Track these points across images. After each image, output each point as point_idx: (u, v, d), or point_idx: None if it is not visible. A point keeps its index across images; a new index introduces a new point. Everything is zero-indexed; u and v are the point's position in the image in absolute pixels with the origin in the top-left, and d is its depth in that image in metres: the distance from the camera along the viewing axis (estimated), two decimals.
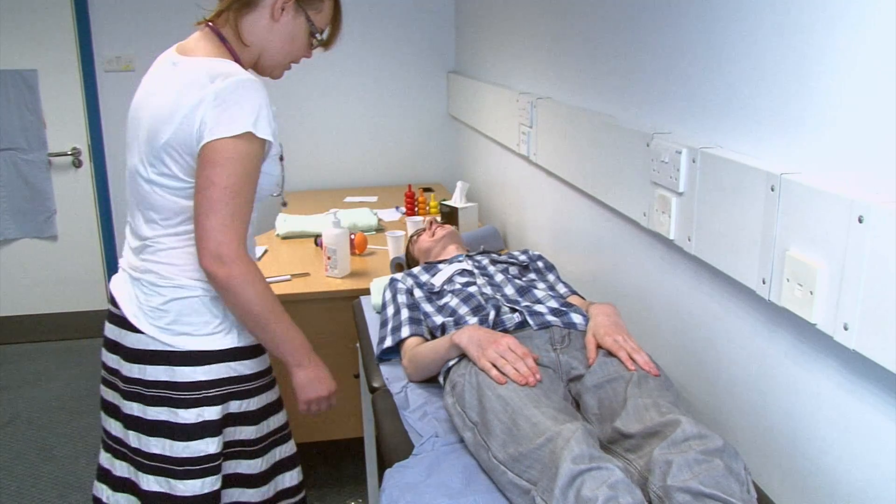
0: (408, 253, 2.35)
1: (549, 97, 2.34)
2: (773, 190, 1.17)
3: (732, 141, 1.34)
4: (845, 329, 1.03)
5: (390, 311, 1.83)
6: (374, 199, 3.75)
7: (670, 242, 1.54)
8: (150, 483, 1.46)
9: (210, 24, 1.45)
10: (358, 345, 2.22)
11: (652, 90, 1.64)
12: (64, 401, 3.32)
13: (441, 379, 1.58)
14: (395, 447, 1.47)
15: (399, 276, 1.93)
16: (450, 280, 1.86)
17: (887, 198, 0.98)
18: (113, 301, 1.51)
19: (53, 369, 3.65)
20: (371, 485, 2.31)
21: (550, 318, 1.61)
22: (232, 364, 1.46)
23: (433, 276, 1.92)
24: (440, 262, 2.02)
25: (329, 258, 2.54)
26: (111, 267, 4.00)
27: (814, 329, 1.11)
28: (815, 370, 1.17)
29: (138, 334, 1.44)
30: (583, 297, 1.88)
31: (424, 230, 2.29)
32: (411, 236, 2.36)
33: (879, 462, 1.05)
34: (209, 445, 1.45)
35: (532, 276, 1.92)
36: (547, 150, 2.32)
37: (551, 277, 1.94)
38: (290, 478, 1.65)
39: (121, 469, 1.53)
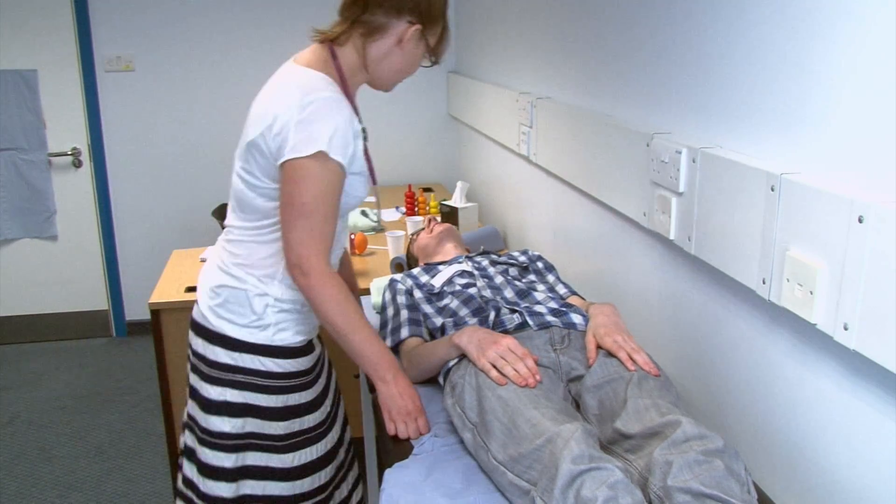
0: (408, 253, 2.35)
1: (549, 97, 2.34)
2: (773, 190, 1.17)
3: (732, 141, 1.34)
4: (845, 329, 1.03)
5: (390, 312, 1.83)
6: (374, 199, 3.75)
7: (670, 242, 1.54)
8: (186, 437, 1.63)
9: (330, 42, 1.50)
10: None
11: (652, 90, 1.64)
12: (64, 401, 3.32)
13: (441, 380, 1.58)
14: (395, 447, 1.47)
15: (399, 276, 1.93)
16: (449, 281, 1.85)
17: (887, 198, 0.98)
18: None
19: (53, 369, 3.65)
20: (371, 485, 2.31)
21: (550, 318, 1.61)
22: (261, 358, 1.53)
23: (433, 277, 1.92)
24: (440, 263, 2.02)
25: None
26: (111, 267, 4.00)
27: (814, 329, 1.11)
28: (815, 370, 1.17)
29: (197, 305, 1.59)
30: (583, 298, 1.88)
31: (424, 229, 2.29)
32: (412, 236, 2.36)
33: (879, 462, 1.05)
34: (226, 424, 1.54)
35: (532, 277, 1.91)
36: (547, 150, 2.32)
37: (551, 278, 1.94)
38: (318, 478, 1.65)
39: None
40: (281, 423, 1.57)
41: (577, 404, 1.45)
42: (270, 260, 1.51)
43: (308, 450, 1.61)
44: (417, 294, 1.86)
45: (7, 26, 3.68)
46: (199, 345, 1.56)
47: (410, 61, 1.54)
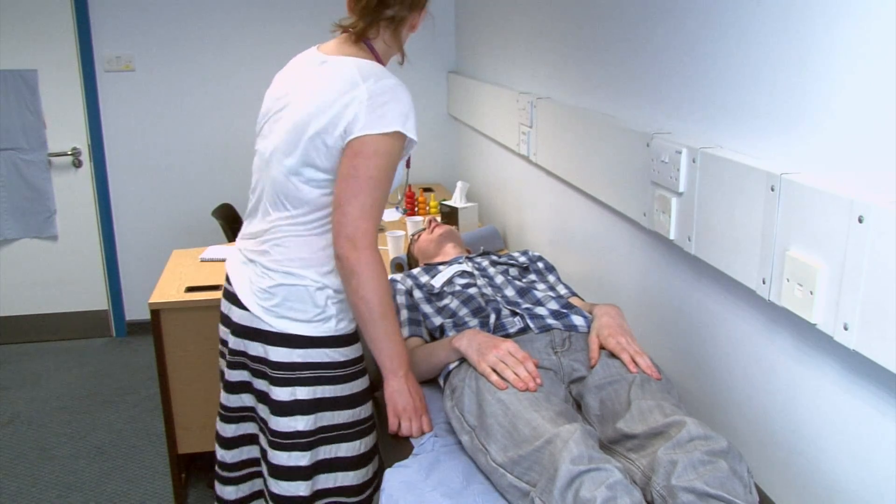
0: (409, 253, 2.35)
1: (549, 97, 2.34)
2: (773, 190, 1.17)
3: (732, 141, 1.34)
4: (845, 329, 1.03)
5: None
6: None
7: (670, 242, 1.54)
8: (262, 440, 1.60)
9: (367, 39, 1.54)
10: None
11: (652, 90, 1.64)
12: (64, 401, 3.32)
13: (441, 381, 1.58)
14: (395, 447, 1.47)
15: (398, 276, 1.93)
16: (449, 282, 1.85)
17: (887, 198, 0.98)
18: (227, 279, 1.63)
19: (53, 369, 3.65)
20: None
21: (551, 321, 1.61)
22: (327, 350, 1.54)
23: (433, 277, 1.92)
24: (439, 263, 2.02)
25: None
26: (111, 267, 4.00)
27: (814, 329, 1.11)
28: (815, 370, 1.17)
29: (244, 311, 1.54)
30: (582, 299, 1.88)
31: (425, 230, 2.29)
32: (412, 236, 2.36)
33: (879, 462, 1.05)
34: (299, 423, 1.53)
35: (532, 277, 1.91)
36: (547, 150, 2.32)
37: (551, 278, 1.94)
38: (374, 465, 1.69)
39: (236, 430, 1.67)
40: (347, 412, 1.58)
41: (579, 405, 1.45)
42: (329, 251, 1.51)
43: (369, 437, 1.63)
44: (417, 294, 1.86)
45: (7, 26, 3.68)
46: (259, 349, 1.53)
47: (402, 42, 1.61)
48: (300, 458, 1.54)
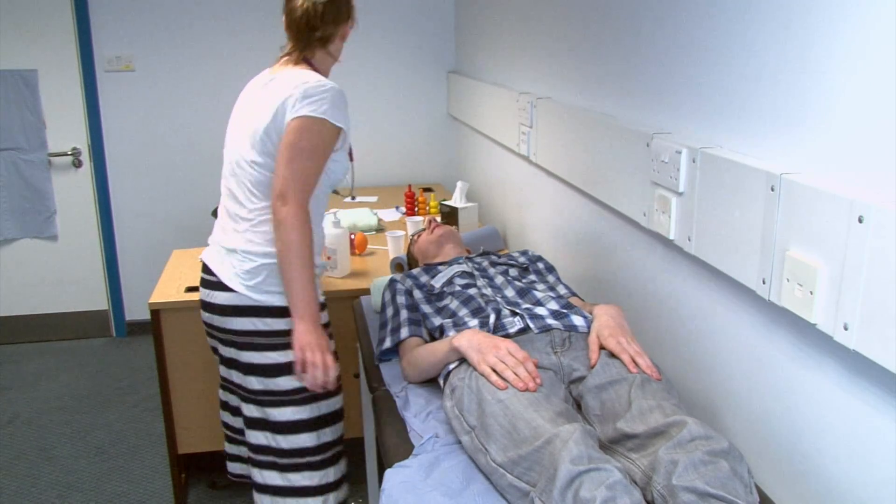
0: (409, 254, 2.35)
1: (549, 97, 2.34)
2: (773, 190, 1.17)
3: (732, 141, 1.34)
4: (845, 329, 1.03)
5: (389, 312, 1.83)
6: (374, 199, 3.75)
7: (670, 242, 1.54)
8: (252, 410, 1.83)
9: (303, 58, 1.81)
10: (358, 345, 2.22)
11: (652, 90, 1.64)
12: (64, 401, 3.32)
13: (441, 382, 1.58)
14: (395, 447, 1.47)
15: (398, 276, 1.93)
16: (449, 282, 1.85)
17: (887, 198, 0.98)
18: (206, 269, 1.84)
19: (53, 369, 3.65)
20: (371, 485, 2.31)
21: (551, 321, 1.61)
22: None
23: (432, 277, 1.92)
24: (439, 263, 2.02)
25: (329, 258, 2.54)
26: (111, 267, 4.00)
27: (814, 329, 1.11)
28: (815, 370, 1.17)
29: (230, 293, 1.76)
30: (582, 299, 1.88)
31: (424, 230, 2.29)
32: (412, 237, 2.36)
33: (879, 462, 1.05)
34: (292, 381, 1.78)
35: (532, 277, 1.91)
36: (547, 150, 2.32)
37: (551, 278, 1.94)
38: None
39: (229, 398, 1.97)
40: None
41: (579, 405, 1.45)
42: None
43: (342, 394, 1.91)
44: (417, 294, 1.86)
45: (7, 26, 3.68)
46: (248, 323, 1.75)
47: (338, 53, 1.88)
48: (302, 412, 1.79)
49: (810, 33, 1.12)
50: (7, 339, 3.98)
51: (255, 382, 1.80)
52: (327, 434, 1.86)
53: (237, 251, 1.77)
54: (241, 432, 1.94)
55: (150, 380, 3.47)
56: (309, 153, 1.67)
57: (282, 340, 1.75)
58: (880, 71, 0.99)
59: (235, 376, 1.84)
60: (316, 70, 1.79)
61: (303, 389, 1.77)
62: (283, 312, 1.75)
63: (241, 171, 1.77)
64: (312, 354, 1.67)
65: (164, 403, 2.42)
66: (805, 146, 1.16)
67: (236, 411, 1.94)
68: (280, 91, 1.71)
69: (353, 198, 2.10)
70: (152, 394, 3.32)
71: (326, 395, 1.83)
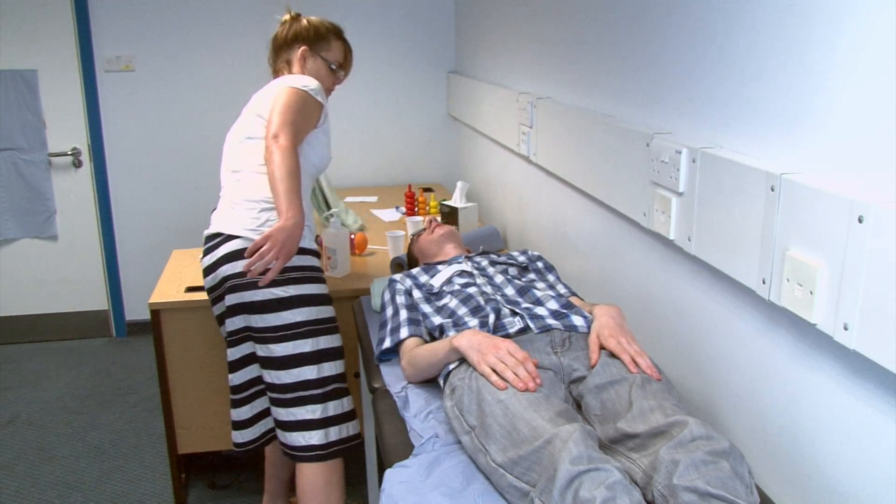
0: (409, 254, 2.35)
1: (549, 97, 2.34)
2: (773, 190, 1.17)
3: (732, 141, 1.34)
4: (845, 329, 1.03)
5: (389, 311, 1.83)
6: (374, 199, 3.75)
7: (670, 242, 1.54)
8: (258, 350, 1.95)
9: (275, 74, 2.17)
10: (358, 345, 2.22)
11: (652, 90, 1.64)
12: (64, 401, 3.32)
13: (441, 382, 1.58)
14: (395, 447, 1.47)
15: (398, 276, 1.93)
16: (449, 281, 1.85)
17: (887, 198, 0.98)
18: (208, 238, 2.01)
19: (53, 369, 3.65)
20: (371, 485, 2.31)
21: (551, 321, 1.61)
22: (306, 256, 1.94)
23: (432, 277, 1.92)
24: (439, 262, 2.02)
25: (329, 258, 2.54)
26: (111, 267, 4.00)
27: (814, 329, 1.11)
28: (815, 370, 1.17)
29: (235, 240, 1.91)
30: (581, 299, 1.88)
31: (425, 230, 2.29)
32: (412, 237, 2.36)
33: (879, 462, 1.05)
34: (297, 315, 1.91)
35: (532, 276, 1.91)
36: (547, 150, 2.32)
37: (551, 278, 1.94)
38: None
39: (238, 353, 2.01)
40: (328, 307, 1.98)
41: (579, 405, 1.45)
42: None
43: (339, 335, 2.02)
44: (416, 294, 1.86)
45: (7, 26, 3.68)
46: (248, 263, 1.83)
47: (318, 76, 2.12)
48: (303, 345, 1.90)
49: (810, 33, 1.12)
50: (7, 339, 3.98)
51: (257, 321, 1.89)
52: (326, 369, 1.95)
53: (239, 203, 1.94)
54: (245, 388, 2.02)
55: (150, 380, 3.47)
56: (295, 109, 1.90)
57: (281, 277, 1.85)
58: (880, 71, 0.99)
59: (241, 320, 1.93)
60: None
61: (305, 323, 1.90)
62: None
63: (239, 147, 2.01)
64: (271, 246, 1.75)
65: (164, 403, 2.42)
66: (805, 146, 1.16)
67: (240, 364, 2.00)
68: (274, 87, 2.01)
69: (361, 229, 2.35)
70: (152, 394, 3.31)
71: (326, 331, 1.95)
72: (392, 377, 1.75)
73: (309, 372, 1.92)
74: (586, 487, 1.06)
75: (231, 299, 1.91)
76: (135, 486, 2.67)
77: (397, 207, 3.50)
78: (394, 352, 1.80)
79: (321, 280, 1.99)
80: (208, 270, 1.97)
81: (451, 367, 1.53)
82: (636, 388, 1.33)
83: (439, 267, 1.96)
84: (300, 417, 1.93)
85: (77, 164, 3.89)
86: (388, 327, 1.79)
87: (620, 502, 1.04)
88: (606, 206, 1.90)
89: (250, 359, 2.00)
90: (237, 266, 1.88)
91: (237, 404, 2.05)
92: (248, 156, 1.98)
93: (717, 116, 1.39)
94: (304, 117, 1.94)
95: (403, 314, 1.79)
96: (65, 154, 3.86)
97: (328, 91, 2.17)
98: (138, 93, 3.82)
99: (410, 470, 1.35)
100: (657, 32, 1.60)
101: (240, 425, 2.06)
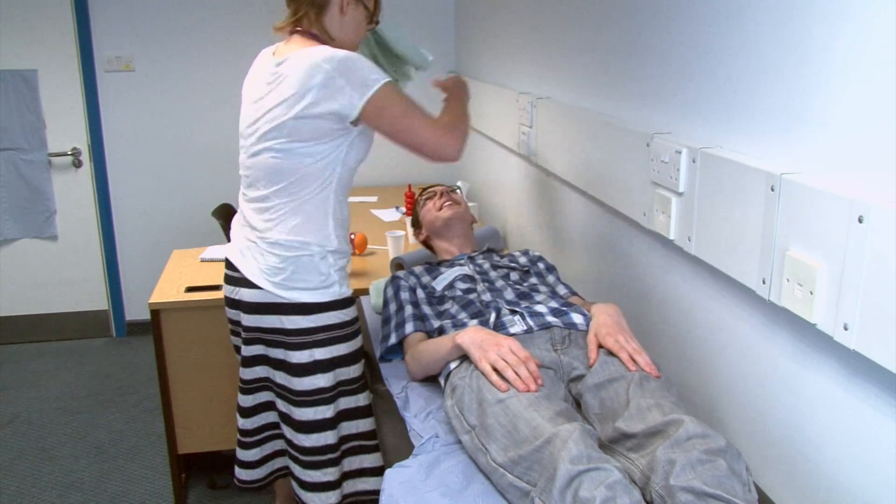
0: (415, 213, 2.27)
1: (549, 97, 2.34)
2: (773, 190, 1.17)
3: (732, 141, 1.34)
4: (845, 329, 1.03)
5: (393, 307, 1.83)
6: (374, 199, 3.75)
7: (670, 242, 1.54)
8: (279, 405, 1.82)
9: (298, 29, 1.74)
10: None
11: (652, 90, 1.64)
12: (64, 401, 3.32)
13: (442, 381, 1.58)
14: (395, 447, 1.48)
15: (401, 273, 1.93)
16: (450, 286, 1.85)
17: (887, 198, 0.98)
18: (229, 265, 1.81)
19: (53, 369, 3.65)
20: None
21: (551, 318, 1.61)
22: (335, 312, 1.73)
23: (434, 279, 1.91)
24: (441, 263, 2.02)
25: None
26: (111, 267, 4.00)
27: (814, 329, 1.11)
28: (815, 370, 1.17)
29: (255, 289, 1.71)
30: (582, 298, 1.88)
31: (433, 195, 2.19)
32: (420, 194, 2.28)
33: (879, 462, 1.05)
34: (320, 380, 1.74)
35: (533, 280, 1.90)
36: (547, 150, 2.32)
37: (551, 279, 1.94)
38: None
39: (253, 401, 1.88)
40: (355, 367, 1.80)
41: (578, 404, 1.45)
42: (323, 218, 1.70)
43: (368, 390, 1.86)
44: (419, 294, 1.86)
45: (7, 26, 3.68)
46: (275, 321, 1.71)
47: (356, 27, 1.79)
48: (325, 412, 1.76)
49: (810, 33, 1.12)
50: (7, 339, 3.98)
51: (280, 377, 1.77)
52: (345, 428, 1.84)
53: (259, 244, 1.72)
54: (256, 433, 1.92)
55: (150, 380, 3.47)
56: (411, 112, 1.69)
57: (305, 339, 1.71)
58: (880, 71, 0.99)
59: (260, 371, 1.83)
60: (320, 41, 1.71)
61: (328, 389, 1.74)
62: (308, 309, 1.70)
63: (261, 164, 1.72)
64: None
65: (164, 403, 2.42)
66: (805, 146, 1.16)
67: (253, 412, 1.90)
68: (308, 72, 1.60)
69: (402, 209, 2.07)
70: (152, 394, 3.31)
71: (353, 391, 1.81)
72: (392, 377, 1.76)
73: (328, 437, 1.79)
74: (586, 487, 1.06)
75: (252, 350, 1.80)
76: (135, 486, 2.67)
77: (397, 207, 3.50)
78: (397, 351, 1.80)
79: (353, 335, 1.79)
80: (230, 302, 1.85)
81: (452, 366, 1.53)
82: (634, 386, 1.33)
83: (442, 269, 1.96)
84: (317, 480, 1.82)
85: (77, 164, 3.89)
86: (393, 323, 1.79)
87: (620, 502, 1.04)
88: (606, 206, 1.90)
89: (265, 406, 1.89)
90: (263, 321, 1.73)
91: (246, 446, 1.94)
92: (269, 182, 1.71)
93: (717, 116, 1.39)
94: (414, 105, 1.72)
95: (408, 310, 1.79)
96: (65, 154, 3.86)
97: (354, 48, 1.83)
98: (138, 93, 3.82)
99: (410, 470, 1.35)
100: (657, 33, 1.60)
101: (247, 465, 1.96)
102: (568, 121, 2.10)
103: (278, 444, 1.94)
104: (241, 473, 1.97)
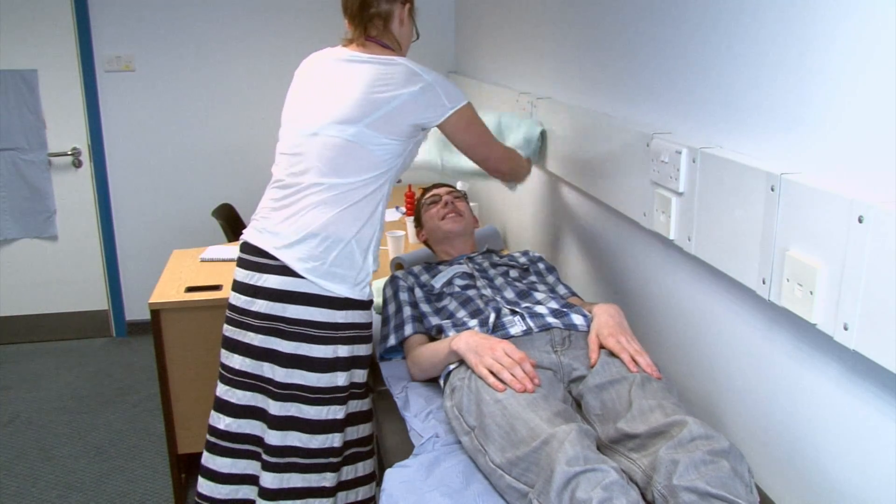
0: (416, 214, 2.26)
1: (549, 97, 2.34)
2: (773, 190, 1.17)
3: (732, 141, 1.34)
4: (845, 329, 1.03)
5: (391, 308, 1.83)
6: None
7: (670, 242, 1.54)
8: (278, 408, 1.69)
9: (370, 38, 1.78)
10: None
11: (652, 90, 1.64)
12: (64, 401, 3.32)
13: (441, 382, 1.59)
14: (395, 447, 1.48)
15: (400, 273, 1.93)
16: (449, 283, 1.85)
17: (887, 198, 0.98)
18: (253, 250, 1.71)
19: (53, 369, 3.65)
20: None
21: (551, 319, 1.61)
22: (361, 312, 1.70)
23: (433, 277, 1.92)
24: (440, 263, 2.02)
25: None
26: (111, 267, 4.00)
27: (814, 329, 1.11)
28: (815, 370, 1.17)
29: (286, 277, 1.64)
30: (582, 299, 1.88)
31: (437, 200, 2.16)
32: (423, 195, 2.27)
33: (879, 462, 1.05)
34: (339, 378, 1.68)
35: (533, 279, 1.91)
36: (547, 149, 2.32)
37: (551, 279, 1.94)
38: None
39: (245, 398, 1.74)
40: (365, 371, 1.77)
41: (579, 405, 1.45)
42: (369, 215, 1.70)
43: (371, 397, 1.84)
44: (418, 293, 1.86)
45: (7, 26, 3.68)
46: (302, 311, 1.64)
47: (408, 38, 1.87)
48: (339, 412, 1.70)
49: (810, 33, 1.12)
50: (7, 339, 3.97)
51: (295, 376, 1.66)
52: (349, 434, 1.79)
53: (297, 228, 1.65)
54: (236, 440, 1.75)
55: (150, 380, 3.47)
56: (479, 138, 1.83)
57: (332, 334, 1.65)
58: (880, 71, 0.99)
59: (268, 369, 1.68)
60: (389, 49, 1.79)
61: (341, 389, 1.69)
62: (343, 304, 1.65)
63: (319, 141, 1.68)
64: None
65: (164, 403, 2.42)
66: (805, 146, 1.15)
67: (241, 412, 1.74)
68: (390, 81, 1.68)
69: (399, 180, 1.96)
70: (152, 394, 3.31)
71: (357, 395, 1.77)
72: (392, 377, 1.76)
73: (335, 439, 1.72)
74: (583, 488, 1.06)
75: (264, 341, 1.67)
76: (135, 486, 2.67)
77: (397, 207, 3.50)
78: (397, 350, 1.80)
79: (370, 338, 1.76)
80: (243, 287, 1.71)
81: (452, 367, 1.53)
82: (636, 387, 1.33)
83: (440, 267, 1.96)
84: (314, 485, 1.72)
85: (77, 164, 3.88)
86: (392, 324, 1.79)
87: (617, 503, 1.04)
88: (606, 205, 1.89)
89: (254, 413, 1.74)
90: (287, 310, 1.64)
91: (219, 452, 1.76)
92: (335, 170, 1.66)
93: (717, 116, 1.39)
94: (481, 128, 1.86)
95: (407, 311, 1.79)
96: (65, 154, 3.86)
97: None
98: (138, 93, 3.82)
99: (410, 470, 1.35)
100: (657, 32, 1.60)
101: (213, 476, 1.76)
102: (568, 121, 2.10)
103: (252, 468, 1.76)
104: (204, 486, 1.77)
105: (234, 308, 1.73)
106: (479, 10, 3.38)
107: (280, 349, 1.66)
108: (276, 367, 1.67)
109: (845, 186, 1.05)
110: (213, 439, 1.77)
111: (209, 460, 1.77)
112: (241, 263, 1.73)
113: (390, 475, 1.34)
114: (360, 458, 1.84)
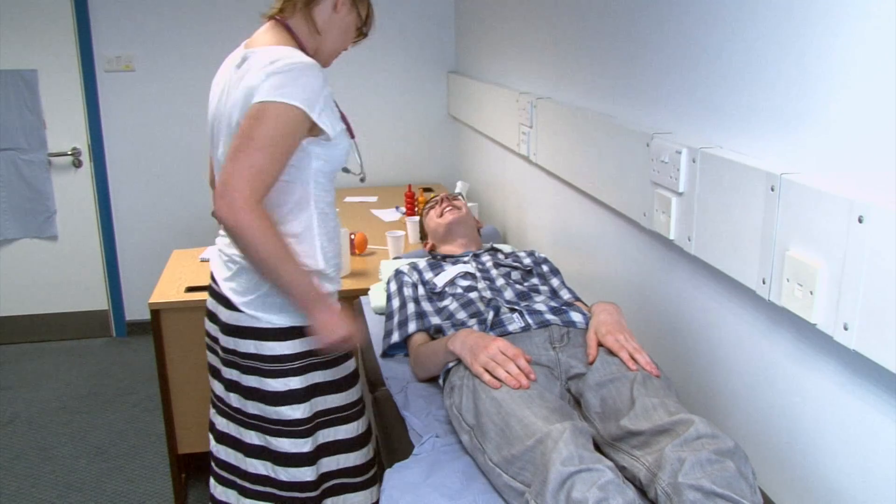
0: (421, 225, 2.32)
1: (549, 97, 2.34)
2: (773, 190, 1.17)
3: (732, 141, 1.34)
4: (845, 329, 1.03)
5: (396, 303, 1.83)
6: (374, 199, 3.75)
7: (670, 242, 1.54)
8: (252, 437, 1.61)
9: (277, 17, 1.53)
10: (357, 345, 2.22)
11: (652, 90, 1.64)
12: (64, 401, 3.32)
13: (441, 380, 1.59)
14: (395, 447, 1.48)
15: (405, 268, 1.93)
16: (452, 283, 1.85)
17: (887, 198, 0.98)
18: (213, 278, 1.61)
19: (53, 369, 3.65)
20: None
21: (549, 316, 1.61)
22: (310, 338, 1.51)
23: (436, 275, 1.92)
24: (446, 258, 2.02)
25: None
26: (111, 267, 4.00)
27: (814, 329, 1.11)
28: (815, 370, 1.17)
29: (232, 311, 1.53)
30: (586, 305, 1.88)
31: (436, 206, 2.22)
32: (424, 207, 2.31)
33: (879, 462, 1.05)
34: (295, 412, 1.55)
35: (535, 281, 1.90)
36: (547, 150, 2.32)
37: (555, 282, 1.93)
38: (372, 447, 1.73)
39: (221, 424, 1.67)
40: (341, 395, 1.61)
41: (578, 402, 1.45)
42: (298, 223, 1.50)
43: (364, 418, 1.67)
44: (420, 290, 1.87)
45: (7, 26, 3.68)
46: (250, 346, 1.53)
47: (345, 31, 1.60)
48: (303, 445, 1.57)
49: (810, 33, 1.12)
50: (7, 339, 3.97)
51: (251, 408, 1.58)
52: (325, 465, 1.65)
53: (236, 261, 1.54)
54: (222, 465, 1.69)
55: (150, 380, 3.46)
56: (263, 145, 1.36)
57: (280, 367, 1.54)
58: (880, 71, 0.99)
59: (235, 400, 1.61)
60: (299, 44, 1.53)
61: (304, 421, 1.57)
62: (288, 334, 1.53)
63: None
64: (339, 347, 1.51)
65: (164, 403, 2.42)
66: (805, 146, 1.16)
67: (221, 438, 1.68)
68: (252, 74, 1.42)
69: (363, 179, 1.79)
70: (152, 394, 3.31)
71: (328, 423, 1.63)
72: (392, 377, 1.76)
73: (306, 473, 1.59)
74: (578, 488, 1.06)
75: (230, 374, 1.60)
76: (135, 486, 2.67)
77: (397, 207, 3.50)
78: (401, 347, 1.80)
79: (334, 362, 1.61)
80: (209, 315, 1.65)
81: (451, 365, 1.54)
82: (638, 385, 1.33)
83: (444, 265, 1.96)
84: None
85: (77, 164, 3.88)
86: (396, 320, 1.80)
87: (613, 502, 1.04)
88: (606, 206, 1.90)
89: (230, 441, 1.66)
90: (240, 345, 1.55)
91: (212, 472, 1.72)
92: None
93: (717, 116, 1.39)
94: (276, 144, 1.39)
95: (411, 307, 1.80)
96: (65, 154, 3.86)
97: (335, 56, 1.65)
98: (138, 93, 3.82)
99: (410, 470, 1.35)
100: (657, 33, 1.60)
101: (211, 497, 1.72)
102: (568, 121, 2.10)
103: (227, 496, 1.69)
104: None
105: (207, 334, 1.68)
106: (479, 10, 3.38)
107: (240, 382, 1.58)
108: (241, 398, 1.59)
109: (845, 186, 1.05)
110: (215, 468, 1.72)
111: (217, 491, 1.73)
112: (208, 286, 1.66)
113: (390, 475, 1.34)
114: (347, 489, 1.67)
